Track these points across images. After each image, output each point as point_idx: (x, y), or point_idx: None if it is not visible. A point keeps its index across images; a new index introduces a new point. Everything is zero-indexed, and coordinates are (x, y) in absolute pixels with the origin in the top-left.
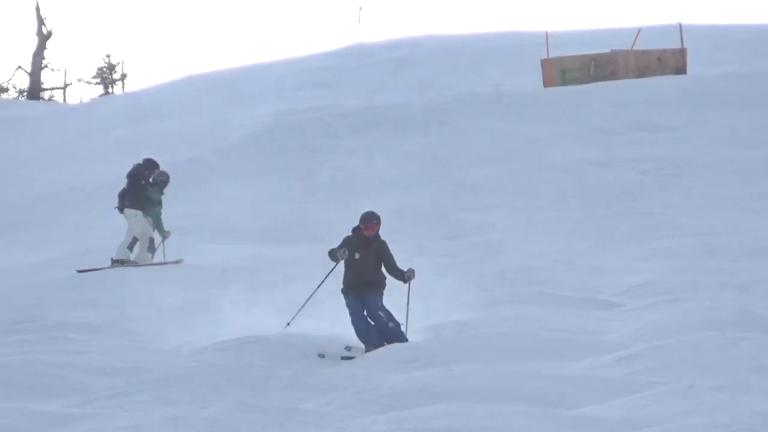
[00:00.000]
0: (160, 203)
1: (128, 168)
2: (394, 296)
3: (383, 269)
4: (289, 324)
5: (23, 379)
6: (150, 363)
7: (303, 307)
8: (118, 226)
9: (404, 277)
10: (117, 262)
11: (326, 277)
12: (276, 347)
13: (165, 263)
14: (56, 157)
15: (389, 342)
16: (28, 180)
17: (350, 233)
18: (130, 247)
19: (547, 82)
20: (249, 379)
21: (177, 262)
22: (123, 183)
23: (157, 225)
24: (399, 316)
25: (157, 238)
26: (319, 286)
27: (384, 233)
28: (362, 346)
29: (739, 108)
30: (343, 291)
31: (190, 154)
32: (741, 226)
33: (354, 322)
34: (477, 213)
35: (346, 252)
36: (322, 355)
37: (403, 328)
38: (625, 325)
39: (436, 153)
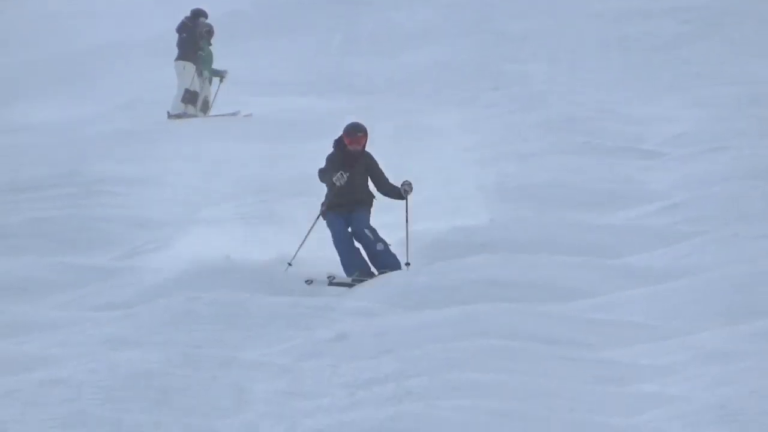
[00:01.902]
0: (210, 54)
1: (173, 22)
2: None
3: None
4: (290, 264)
5: (66, 233)
6: (193, 216)
7: (302, 245)
8: (160, 79)
9: (400, 192)
10: (174, 117)
11: (318, 217)
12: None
13: (223, 115)
14: (96, 11)
15: (379, 268)
16: (69, 35)
17: (332, 149)
18: (185, 100)
19: None
20: (292, 230)
21: (234, 114)
22: (166, 37)
23: (212, 72)
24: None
25: (209, 92)
26: (313, 226)
27: (427, 86)
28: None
29: None
30: (322, 212)
31: (229, 7)
32: None
33: (336, 242)
34: (519, 63)
35: (344, 176)
36: (309, 281)
37: (394, 249)
38: (668, 175)
39: (477, 4)
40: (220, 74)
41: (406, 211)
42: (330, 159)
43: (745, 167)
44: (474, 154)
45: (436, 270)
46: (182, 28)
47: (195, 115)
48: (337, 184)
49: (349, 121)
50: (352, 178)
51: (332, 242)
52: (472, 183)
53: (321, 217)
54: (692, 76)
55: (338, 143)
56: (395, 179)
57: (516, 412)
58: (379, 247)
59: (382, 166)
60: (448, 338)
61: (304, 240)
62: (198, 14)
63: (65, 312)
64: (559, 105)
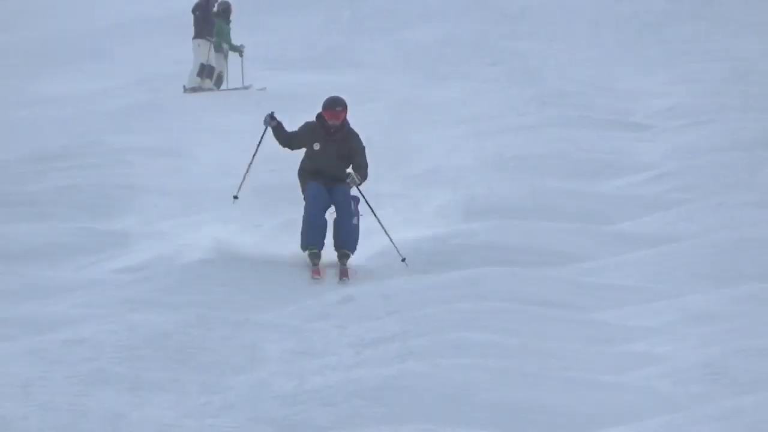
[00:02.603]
0: (228, 31)
1: (188, 0)
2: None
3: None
4: (236, 197)
5: (87, 201)
6: (208, 184)
7: (244, 178)
8: (176, 55)
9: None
10: (190, 90)
11: (258, 145)
12: None
13: (236, 89)
14: None
15: (337, 241)
16: (87, 11)
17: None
18: (200, 74)
19: None
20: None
21: (247, 88)
22: (181, 14)
23: (231, 47)
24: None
25: (224, 67)
26: (254, 155)
27: (429, 61)
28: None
29: None
30: (300, 174)
31: None
32: None
33: (309, 209)
34: (516, 41)
35: (275, 120)
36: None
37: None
38: (658, 146)
39: None
40: (238, 49)
41: (367, 203)
42: (299, 128)
43: (730, 139)
44: (473, 126)
45: (437, 236)
46: (196, 8)
47: (210, 89)
48: (265, 123)
49: (330, 95)
50: (328, 151)
51: (305, 201)
52: (472, 154)
53: (266, 128)
54: (680, 53)
55: (319, 116)
56: (399, 149)
57: (513, 370)
58: (354, 220)
59: (367, 150)
60: (449, 300)
61: (251, 162)
62: None
63: (87, 275)
64: (554, 80)
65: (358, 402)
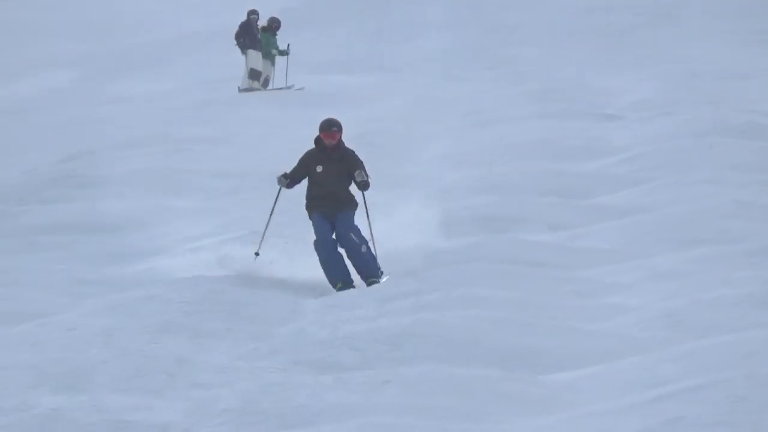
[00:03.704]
0: (275, 42)
1: (238, 16)
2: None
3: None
4: (258, 254)
5: (159, 181)
6: (257, 168)
7: (264, 234)
8: (229, 62)
9: (360, 185)
10: (243, 90)
11: (274, 205)
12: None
13: (281, 89)
14: (176, 7)
15: (360, 273)
16: (159, 26)
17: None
18: (251, 77)
19: None
20: None
21: (289, 87)
22: (233, 29)
23: (279, 53)
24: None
25: (271, 71)
26: (271, 216)
27: (439, 65)
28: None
29: None
30: (307, 207)
31: (284, 4)
32: (719, 56)
33: (318, 247)
34: (510, 48)
35: (286, 180)
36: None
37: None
38: (628, 133)
39: (477, 0)
40: (285, 53)
41: (366, 208)
42: (305, 154)
43: (687, 128)
44: (475, 118)
45: (446, 208)
46: (241, 26)
47: (258, 89)
48: (280, 184)
49: (325, 117)
50: (330, 171)
51: (314, 245)
52: (474, 141)
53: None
54: (646, 57)
55: (316, 140)
56: (415, 137)
57: (509, 319)
58: (363, 249)
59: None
60: (455, 262)
61: (269, 221)
62: (249, 13)
63: (157, 243)
64: (541, 80)
65: (380, 347)
